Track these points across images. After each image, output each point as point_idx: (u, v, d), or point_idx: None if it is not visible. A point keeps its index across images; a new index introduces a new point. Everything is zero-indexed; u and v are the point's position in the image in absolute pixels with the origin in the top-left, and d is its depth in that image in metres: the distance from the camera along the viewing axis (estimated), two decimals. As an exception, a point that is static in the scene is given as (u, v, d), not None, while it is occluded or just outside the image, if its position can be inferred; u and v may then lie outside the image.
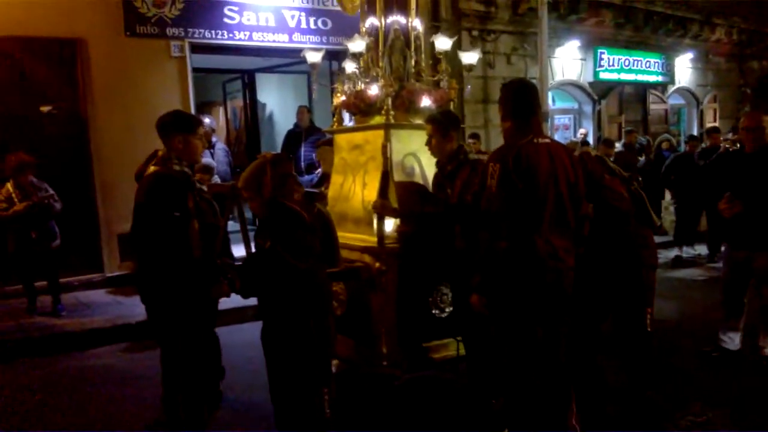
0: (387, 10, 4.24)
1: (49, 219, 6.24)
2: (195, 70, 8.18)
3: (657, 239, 9.13)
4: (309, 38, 8.59)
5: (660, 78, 13.07)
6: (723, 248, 5.03)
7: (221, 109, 11.57)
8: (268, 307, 2.95)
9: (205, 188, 3.46)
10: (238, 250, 3.50)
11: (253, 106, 10.38)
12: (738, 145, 6.11)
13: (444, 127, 3.70)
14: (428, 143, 3.76)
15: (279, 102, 11.95)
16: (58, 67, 7.28)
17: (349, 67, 4.33)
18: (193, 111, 7.91)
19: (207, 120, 7.44)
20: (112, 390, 4.62)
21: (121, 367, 5.16)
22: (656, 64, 12.86)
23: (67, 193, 6.69)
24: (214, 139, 7.45)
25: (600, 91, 12.28)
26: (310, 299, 2.89)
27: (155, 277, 3.23)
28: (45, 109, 7.20)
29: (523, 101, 3.14)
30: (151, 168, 3.29)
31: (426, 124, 3.79)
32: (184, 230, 3.13)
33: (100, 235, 7.50)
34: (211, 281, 3.16)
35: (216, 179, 6.77)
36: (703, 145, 9.63)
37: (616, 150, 10.08)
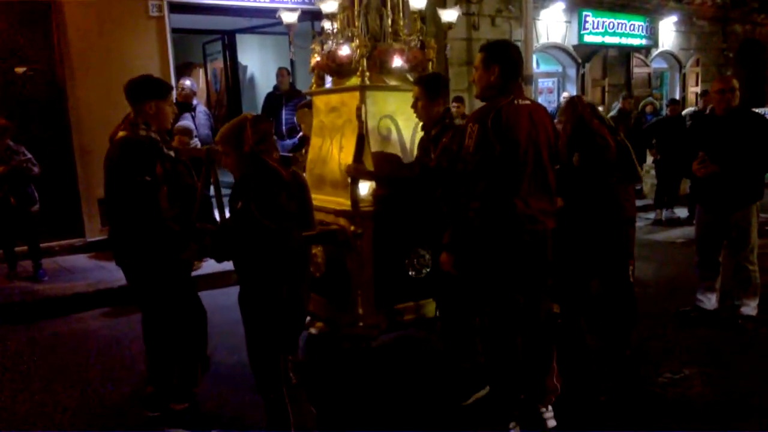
0: (363, -34, 4.13)
1: (27, 183, 6.17)
2: (174, 30, 8.02)
3: (638, 202, 9.26)
4: (290, -2, 8.45)
5: (644, 41, 13.03)
6: (697, 209, 5.11)
7: (201, 71, 11.40)
8: (241, 271, 2.96)
9: (173, 153, 3.41)
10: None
11: (233, 67, 10.23)
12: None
13: (431, 90, 3.64)
14: (414, 105, 3.71)
15: (260, 64, 11.78)
16: (33, 29, 7.12)
17: (328, 26, 4.25)
18: (172, 73, 7.80)
19: (188, 82, 7.33)
20: (96, 354, 4.66)
21: (104, 331, 5.19)
22: (640, 27, 12.80)
23: (46, 157, 6.62)
24: (195, 102, 7.36)
25: (584, 54, 12.24)
26: (283, 263, 2.89)
27: (126, 241, 3.23)
28: (20, 70, 7.06)
29: (509, 50, 3.12)
30: (120, 133, 3.26)
31: (413, 86, 3.73)
32: (153, 195, 3.10)
33: (80, 199, 7.45)
34: (181, 245, 3.15)
35: (196, 142, 6.70)
36: (695, 108, 9.66)
37: (610, 115, 10.13)
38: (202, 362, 3.56)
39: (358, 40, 3.88)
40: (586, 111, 3.91)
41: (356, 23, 4.03)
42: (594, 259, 3.97)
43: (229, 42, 10.11)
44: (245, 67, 11.67)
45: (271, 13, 8.50)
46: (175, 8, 7.85)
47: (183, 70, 10.41)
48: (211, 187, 3.42)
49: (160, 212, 3.11)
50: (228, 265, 3.18)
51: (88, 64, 7.27)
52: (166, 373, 3.37)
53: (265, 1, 8.36)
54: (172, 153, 3.29)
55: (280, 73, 8.37)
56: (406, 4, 4.15)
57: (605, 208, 3.89)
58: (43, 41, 7.16)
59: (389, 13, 4.08)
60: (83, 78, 7.28)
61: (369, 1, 4.02)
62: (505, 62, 3.05)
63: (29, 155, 6.16)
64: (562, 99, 11.59)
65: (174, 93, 3.57)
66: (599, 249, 3.93)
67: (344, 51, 3.99)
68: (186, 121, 6.86)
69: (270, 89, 8.83)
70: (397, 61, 3.99)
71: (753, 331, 4.66)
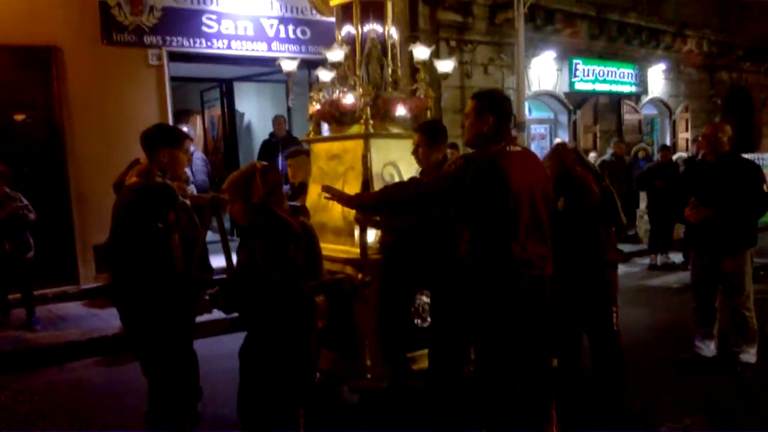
0: (363, 19, 4.24)
1: (23, 230, 6.13)
2: (173, 78, 8.12)
3: (632, 247, 9.28)
4: (287, 47, 8.59)
5: (633, 88, 13.30)
6: (691, 255, 5.12)
7: (199, 118, 11.49)
8: (248, 323, 2.92)
9: (187, 201, 3.43)
10: (217, 261, 3.47)
11: (231, 115, 10.34)
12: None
13: (431, 137, 3.72)
14: (414, 152, 3.77)
15: (257, 111, 11.91)
16: (34, 75, 7.18)
17: (325, 75, 4.32)
18: (170, 120, 7.86)
19: (185, 129, 7.38)
20: (88, 404, 4.55)
21: (97, 380, 5.09)
22: (630, 75, 13.08)
23: (42, 203, 6.59)
24: (192, 149, 7.39)
25: (575, 101, 12.45)
26: (291, 316, 2.85)
27: (134, 290, 3.19)
28: (19, 117, 7.10)
29: (503, 101, 3.17)
30: (133, 179, 3.26)
31: (414, 133, 3.80)
32: (166, 243, 3.09)
33: (75, 246, 7.39)
34: (193, 297, 3.12)
35: (192, 189, 6.71)
36: (687, 154, 9.82)
37: (605, 159, 10.28)
38: (191, 417, 3.48)
39: (361, 89, 3.95)
40: (570, 158, 3.99)
41: (358, 72, 4.10)
42: (577, 305, 3.97)
43: (226, 90, 10.24)
44: (242, 114, 11.79)
45: (269, 62, 8.67)
46: (174, 57, 7.96)
47: (181, 117, 10.49)
48: (214, 233, 3.41)
49: (172, 260, 3.10)
50: (217, 313, 3.15)
51: (87, 110, 7.32)
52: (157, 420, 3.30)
53: (262, 51, 8.50)
54: (187, 201, 3.30)
55: (278, 120, 8.46)
56: (405, 54, 4.25)
57: (587, 251, 3.91)
58: (43, 87, 7.22)
59: (390, 63, 4.17)
60: (82, 124, 7.32)
61: (370, 51, 4.11)
62: (500, 113, 3.11)
63: (26, 201, 6.14)
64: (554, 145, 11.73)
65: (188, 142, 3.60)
66: (581, 294, 3.93)
67: (348, 99, 4.05)
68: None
69: (266, 136, 8.92)
70: (401, 110, 4.07)
71: (753, 379, 4.62)
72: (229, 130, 10.31)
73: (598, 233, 3.94)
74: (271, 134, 8.60)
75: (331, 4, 4.45)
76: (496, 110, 3.09)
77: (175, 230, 3.15)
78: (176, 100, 8.72)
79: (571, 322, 4.01)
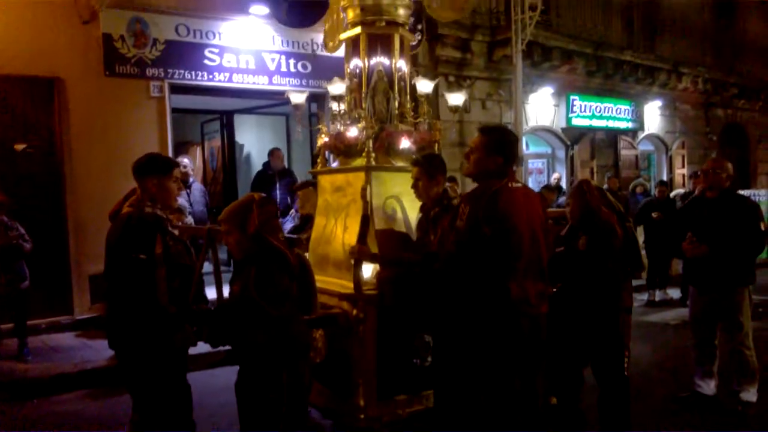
0: (371, 52, 4.27)
1: (18, 260, 6.09)
2: (174, 110, 8.17)
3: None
4: (289, 81, 8.67)
5: (630, 124, 13.41)
6: (689, 291, 5.09)
7: (198, 149, 11.54)
8: (240, 356, 2.88)
9: (176, 232, 3.40)
10: (212, 292, 3.43)
11: (230, 146, 10.38)
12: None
13: (431, 171, 3.71)
14: (414, 186, 3.75)
15: (257, 142, 11.97)
16: (36, 106, 7.20)
17: (336, 108, 4.34)
18: (170, 151, 7.88)
19: (186, 160, 7.43)
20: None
21: (87, 413, 5.00)
22: (626, 111, 13.20)
23: (39, 233, 6.57)
24: (191, 180, 7.42)
25: (572, 136, 12.54)
26: (283, 349, 2.80)
27: (121, 322, 3.15)
28: (19, 147, 7.10)
29: (511, 142, 3.17)
30: (125, 209, 3.25)
31: (413, 167, 3.79)
32: (149, 275, 3.05)
33: (70, 275, 7.33)
34: (176, 329, 3.07)
35: (189, 219, 6.70)
36: (684, 190, 9.86)
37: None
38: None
39: (364, 122, 3.95)
40: (594, 197, 3.90)
41: (363, 105, 4.11)
42: (588, 346, 3.92)
43: (227, 121, 10.30)
44: (242, 146, 11.85)
45: (270, 94, 8.78)
46: (175, 89, 8.02)
47: (180, 148, 10.55)
48: (207, 264, 3.38)
49: (155, 293, 3.06)
50: (206, 346, 3.09)
51: (88, 141, 7.35)
52: None
53: (263, 84, 8.57)
54: (176, 231, 3.27)
55: (276, 154, 8.50)
56: (411, 87, 4.26)
57: (604, 294, 3.86)
58: (45, 117, 7.24)
59: (396, 96, 4.17)
60: (82, 155, 7.33)
61: (376, 84, 4.12)
62: (508, 154, 3.10)
63: (22, 231, 6.11)
64: (552, 179, 11.78)
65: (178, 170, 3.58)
66: (594, 336, 3.88)
67: (352, 132, 4.06)
68: (179, 199, 6.89)
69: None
70: (405, 143, 4.06)
71: (754, 418, 4.55)
72: (229, 161, 10.34)
73: (617, 277, 3.89)
74: (266, 165, 8.61)
75: (340, 38, 4.49)
76: (505, 152, 3.09)
77: (162, 264, 3.11)
78: (177, 132, 8.77)
79: (575, 362, 3.95)
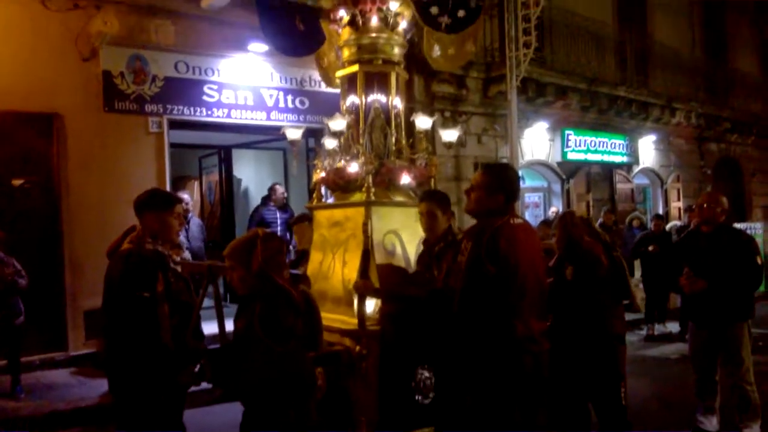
0: (367, 89, 4.34)
1: (14, 295, 6.05)
2: (172, 145, 8.21)
3: (628, 316, 9.19)
4: (287, 116, 8.75)
5: (625, 158, 13.52)
6: (689, 325, 5.07)
7: (196, 184, 11.57)
8: (245, 395, 2.84)
9: (179, 268, 3.38)
10: (209, 327, 3.39)
11: (228, 181, 10.42)
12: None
13: (437, 206, 3.74)
14: (425, 220, 3.77)
15: (255, 177, 12.02)
16: (34, 141, 7.23)
17: (329, 143, 4.38)
18: (168, 186, 7.90)
19: (186, 196, 7.48)
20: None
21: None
22: (621, 146, 13.32)
23: (35, 268, 6.53)
24: (189, 215, 7.44)
25: (568, 170, 12.63)
26: (289, 387, 2.77)
27: (121, 360, 3.11)
28: (17, 182, 7.12)
29: (514, 181, 3.19)
30: (125, 245, 3.24)
31: (422, 202, 3.82)
32: (152, 313, 3.03)
33: (65, 311, 7.26)
34: (179, 368, 3.03)
35: (187, 255, 6.68)
36: (680, 223, 9.91)
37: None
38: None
39: (363, 158, 3.99)
40: (577, 228, 3.98)
41: (361, 141, 4.16)
42: (583, 377, 3.89)
43: (225, 156, 10.36)
44: (239, 180, 11.89)
45: (268, 130, 8.85)
46: (174, 125, 8.08)
47: (178, 182, 10.59)
48: (207, 300, 3.35)
49: (158, 330, 3.03)
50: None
51: (86, 176, 7.36)
52: None
53: (261, 119, 8.65)
54: (178, 268, 3.26)
55: (275, 189, 8.54)
56: (408, 123, 4.33)
57: (595, 324, 3.86)
58: (43, 153, 7.26)
59: (393, 132, 4.23)
60: (79, 190, 7.34)
61: (373, 120, 4.17)
62: (510, 192, 3.12)
63: (18, 266, 6.09)
64: (550, 213, 11.82)
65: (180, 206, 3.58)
66: (588, 366, 3.86)
67: (352, 168, 4.10)
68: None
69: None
70: (405, 178, 4.10)
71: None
72: (227, 195, 10.37)
73: (607, 306, 3.91)
74: (265, 200, 8.68)
75: (336, 75, 4.56)
76: (507, 190, 3.10)
77: (165, 301, 3.09)
78: (175, 166, 8.80)
79: (577, 395, 3.91)
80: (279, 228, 8.07)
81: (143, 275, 3.07)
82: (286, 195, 8.76)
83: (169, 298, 3.08)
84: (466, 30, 4.73)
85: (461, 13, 4.42)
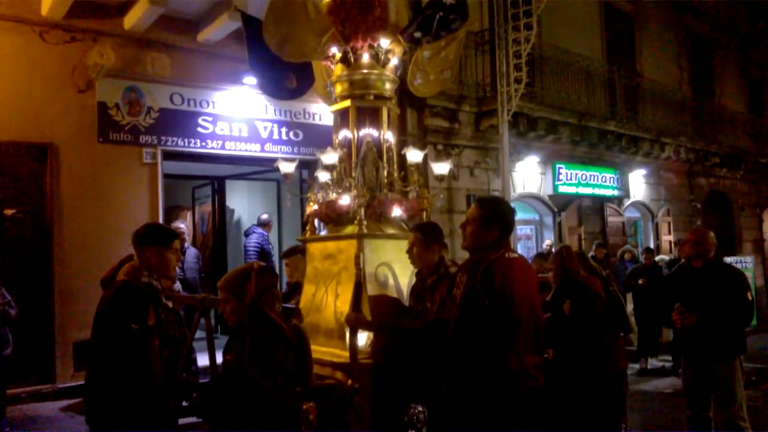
0: (359, 124, 4.41)
1: (2, 326, 5.97)
2: (166, 175, 8.24)
3: (622, 350, 9.13)
4: (280, 148, 8.81)
5: (616, 192, 13.63)
6: (681, 361, 5.07)
7: (189, 214, 11.57)
8: (233, 429, 2.80)
9: (170, 304, 3.36)
10: (200, 359, 3.37)
11: (221, 211, 10.44)
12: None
13: (428, 238, 3.74)
14: (409, 252, 3.77)
15: (248, 207, 12.03)
16: (28, 171, 7.25)
17: (322, 176, 4.42)
18: (161, 216, 7.91)
19: (182, 226, 7.53)
20: None
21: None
22: (611, 179, 13.44)
23: (25, 298, 6.47)
24: (185, 245, 7.46)
25: (559, 203, 12.71)
26: (278, 422, 2.74)
27: (104, 392, 3.06)
28: (10, 212, 7.10)
29: (508, 214, 3.21)
30: (121, 277, 3.24)
31: (410, 233, 3.83)
32: (140, 346, 2.99)
33: (54, 342, 7.18)
34: (166, 403, 2.99)
35: (177, 286, 6.64)
36: (669, 257, 9.96)
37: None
38: None
39: (355, 191, 4.03)
40: (573, 263, 4.00)
41: (353, 174, 4.20)
42: (586, 415, 3.86)
43: (218, 187, 10.39)
44: (232, 211, 11.90)
45: (261, 161, 8.91)
46: (168, 156, 8.11)
47: (171, 212, 10.59)
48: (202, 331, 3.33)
49: (147, 365, 2.99)
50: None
51: (79, 207, 7.35)
52: None
53: (255, 151, 8.70)
54: (169, 303, 3.24)
55: (270, 225, 8.68)
56: (399, 156, 4.39)
57: (595, 360, 3.84)
58: (36, 183, 7.27)
59: (385, 165, 4.28)
60: (72, 220, 7.32)
61: (365, 154, 4.23)
62: (504, 226, 3.14)
63: (8, 297, 6.02)
64: (544, 246, 11.86)
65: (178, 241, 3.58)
66: (590, 405, 3.83)
67: (345, 201, 4.13)
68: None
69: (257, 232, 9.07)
70: (397, 211, 4.13)
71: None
72: (219, 226, 10.37)
73: (606, 340, 3.90)
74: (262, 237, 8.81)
75: (330, 110, 4.63)
76: (501, 224, 3.12)
77: (155, 335, 3.06)
78: (168, 197, 8.83)
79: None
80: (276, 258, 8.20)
81: (134, 307, 3.05)
82: (276, 227, 8.91)
83: (159, 333, 3.06)
84: (447, 58, 4.85)
85: (442, 34, 4.56)
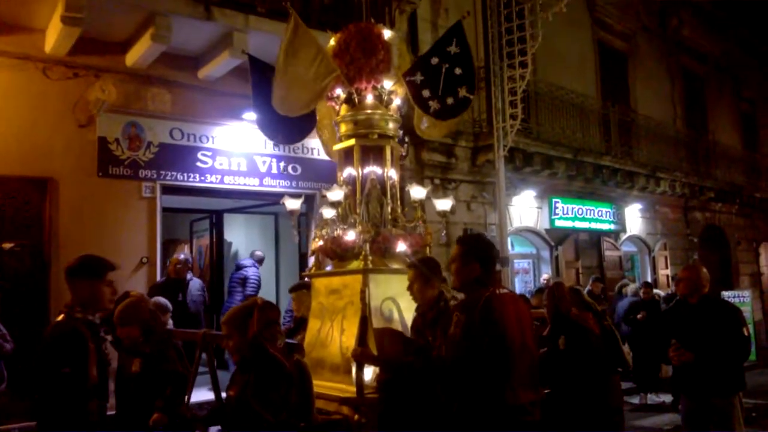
0: (364, 162, 4.52)
1: (-2, 361, 5.92)
2: (164, 209, 8.24)
3: (622, 384, 9.13)
4: (279, 182, 8.84)
5: (612, 226, 13.70)
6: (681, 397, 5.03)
7: (187, 247, 11.56)
8: None
9: (109, 338, 3.29)
10: (202, 395, 3.34)
11: (219, 244, 10.44)
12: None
13: (426, 274, 3.78)
14: (410, 288, 3.80)
15: (245, 241, 12.04)
16: (27, 205, 7.24)
17: (327, 213, 4.48)
18: (158, 249, 7.90)
19: (182, 256, 7.58)
20: None
21: None
22: (608, 214, 13.52)
23: (21, 333, 6.41)
24: (189, 276, 7.45)
25: (556, 237, 12.75)
26: None
27: None
28: (7, 246, 7.07)
29: (488, 249, 3.26)
30: (58, 317, 3.15)
31: (408, 269, 3.86)
32: (76, 388, 2.91)
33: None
34: None
35: (168, 320, 6.59)
36: (667, 291, 9.97)
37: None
38: None
39: (360, 226, 4.08)
40: (564, 300, 4.05)
41: (358, 210, 4.27)
42: None
43: (216, 220, 10.41)
44: (230, 244, 11.90)
45: (260, 195, 8.95)
46: (167, 190, 8.12)
47: (169, 246, 10.59)
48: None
49: (84, 407, 2.92)
50: None
51: (77, 240, 7.31)
52: None
53: (254, 185, 8.74)
54: (108, 337, 3.18)
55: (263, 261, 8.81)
56: (402, 192, 4.48)
57: (592, 396, 3.84)
58: (35, 217, 7.25)
59: (389, 201, 4.36)
60: (70, 254, 7.14)
61: (370, 191, 4.30)
62: (484, 260, 3.20)
63: (4, 331, 5.98)
64: (542, 281, 11.86)
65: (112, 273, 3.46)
66: None
67: (350, 236, 4.18)
68: (159, 298, 6.86)
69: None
70: (401, 246, 4.20)
71: None
72: (217, 259, 10.36)
73: (602, 375, 3.90)
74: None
75: (333, 149, 4.73)
76: (480, 257, 3.19)
77: (90, 376, 2.95)
78: (166, 230, 8.82)
79: None
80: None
81: (66, 350, 2.95)
82: (274, 259, 8.95)
83: (101, 370, 2.99)
84: None
85: (450, 101, 4.67)
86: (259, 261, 9.43)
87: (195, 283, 7.62)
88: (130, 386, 3.73)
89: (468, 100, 4.74)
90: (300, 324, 4.56)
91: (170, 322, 6.57)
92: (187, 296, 7.23)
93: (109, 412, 3.31)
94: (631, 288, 10.79)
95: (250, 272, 9.05)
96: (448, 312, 3.58)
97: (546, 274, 12.31)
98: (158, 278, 7.70)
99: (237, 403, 2.71)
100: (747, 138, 19.53)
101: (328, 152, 5.06)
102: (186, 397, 3.07)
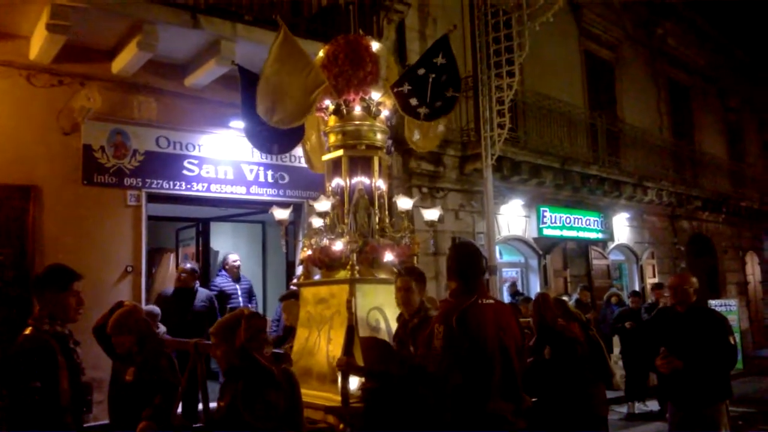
0: (352, 172, 4.53)
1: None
2: (149, 217, 8.16)
3: (609, 394, 9.15)
4: (266, 191, 8.79)
5: (600, 235, 13.76)
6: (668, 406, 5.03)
7: (172, 256, 11.45)
8: None
9: (78, 350, 3.22)
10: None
11: (205, 253, 10.34)
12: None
13: (418, 283, 3.80)
14: (401, 294, 3.82)
15: (232, 249, 11.92)
16: (10, 213, 7.14)
17: (315, 222, 4.48)
18: (143, 258, 7.82)
19: (188, 266, 7.54)
20: None
21: None
22: (595, 222, 13.58)
23: (3, 344, 6.30)
24: (196, 286, 7.41)
25: (544, 246, 12.78)
26: None
27: None
28: (-10, 257, 6.98)
29: (467, 263, 3.27)
30: (26, 330, 3.07)
31: (400, 277, 3.88)
32: (50, 401, 2.85)
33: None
34: None
35: (162, 329, 6.52)
36: (650, 300, 10.00)
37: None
38: None
39: (348, 236, 4.08)
40: (550, 311, 4.07)
41: (346, 220, 4.27)
42: None
43: (203, 229, 10.31)
44: (216, 253, 11.81)
45: (247, 203, 8.89)
46: (152, 198, 8.04)
47: (155, 254, 10.49)
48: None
49: (60, 421, 2.86)
50: None
51: (60, 249, 7.21)
52: None
53: (241, 193, 8.68)
54: (78, 349, 3.12)
55: (227, 259, 8.79)
56: (390, 203, 4.48)
57: (578, 405, 3.84)
58: (18, 226, 7.14)
59: (376, 212, 4.37)
60: (53, 262, 7.18)
61: (357, 201, 4.32)
62: (465, 270, 3.24)
63: (-14, 344, 5.88)
64: (505, 285, 11.90)
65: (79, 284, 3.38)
66: None
67: (337, 246, 4.19)
68: (151, 306, 6.77)
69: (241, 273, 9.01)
70: (388, 256, 4.22)
71: None
72: (203, 267, 10.26)
73: (587, 385, 3.91)
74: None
75: (322, 159, 4.74)
76: (460, 269, 3.24)
77: (61, 388, 2.88)
78: (151, 238, 8.73)
79: None
80: (241, 299, 8.07)
81: (35, 364, 2.89)
82: (238, 265, 8.77)
83: (73, 382, 2.92)
84: None
85: (438, 104, 4.67)
86: (230, 269, 8.84)
87: (201, 293, 7.54)
88: (123, 395, 3.70)
89: (455, 98, 4.76)
90: (288, 333, 4.55)
91: (162, 328, 6.53)
92: (194, 306, 7.16)
93: (102, 422, 3.26)
94: (614, 298, 10.86)
95: (225, 285, 8.80)
96: (429, 321, 3.58)
97: (511, 278, 12.39)
98: (143, 287, 7.63)
99: (227, 411, 2.70)
100: (733, 147, 19.74)
101: (309, 162, 5.06)
102: (176, 406, 3.03)
